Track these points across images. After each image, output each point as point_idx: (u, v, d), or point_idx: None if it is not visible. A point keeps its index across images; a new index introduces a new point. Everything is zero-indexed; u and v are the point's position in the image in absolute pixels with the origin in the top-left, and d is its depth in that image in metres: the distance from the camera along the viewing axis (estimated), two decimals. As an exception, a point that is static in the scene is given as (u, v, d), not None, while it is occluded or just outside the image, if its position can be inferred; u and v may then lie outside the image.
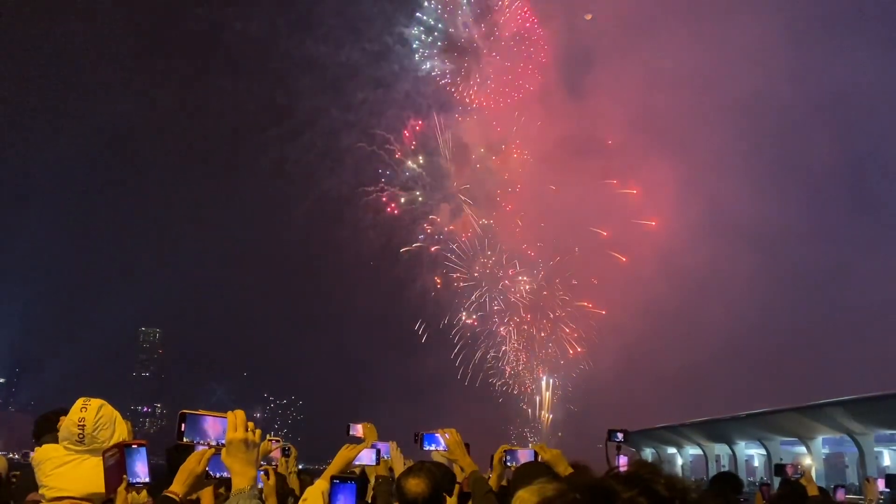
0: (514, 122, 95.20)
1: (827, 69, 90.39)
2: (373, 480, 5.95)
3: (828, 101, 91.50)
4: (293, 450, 7.79)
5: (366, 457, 5.67)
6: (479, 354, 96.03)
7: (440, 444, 5.68)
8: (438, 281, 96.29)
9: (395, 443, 6.26)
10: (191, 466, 3.47)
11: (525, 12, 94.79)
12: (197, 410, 3.04)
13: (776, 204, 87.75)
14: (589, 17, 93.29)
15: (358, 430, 6.44)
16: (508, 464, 5.58)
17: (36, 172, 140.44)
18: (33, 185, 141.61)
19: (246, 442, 3.00)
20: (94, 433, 3.84)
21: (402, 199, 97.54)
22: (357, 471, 6.37)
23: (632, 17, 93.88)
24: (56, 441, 4.15)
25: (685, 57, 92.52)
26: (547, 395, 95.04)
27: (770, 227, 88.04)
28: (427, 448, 5.80)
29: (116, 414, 4.10)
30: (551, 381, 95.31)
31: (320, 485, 4.87)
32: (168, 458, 5.35)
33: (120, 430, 4.02)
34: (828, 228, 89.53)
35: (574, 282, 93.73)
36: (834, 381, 66.70)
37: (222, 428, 3.02)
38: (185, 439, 3.02)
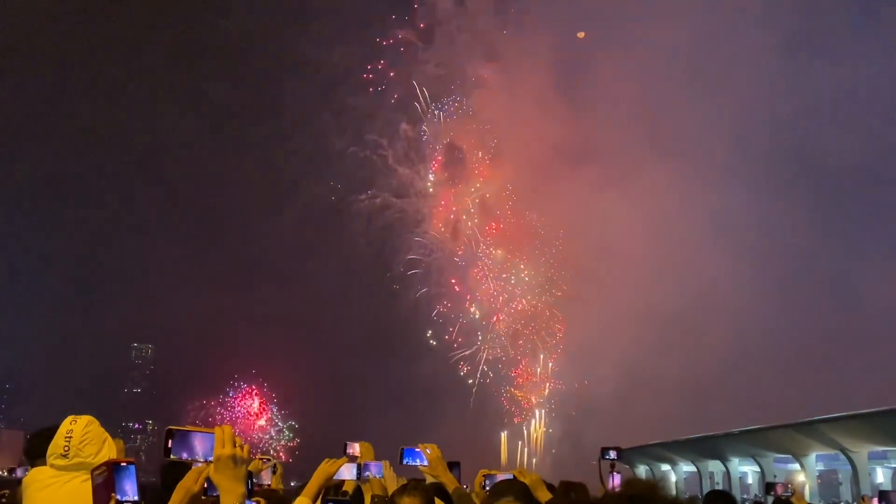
0: (510, 128, 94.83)
1: (835, 68, 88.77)
2: (368, 499, 5.93)
3: (837, 101, 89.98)
4: (279, 467, 7.84)
5: (346, 472, 5.66)
6: (469, 370, 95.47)
7: (422, 459, 5.68)
8: (419, 297, 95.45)
9: (387, 462, 6.26)
10: (188, 485, 3.43)
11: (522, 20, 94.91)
12: (184, 426, 3.04)
13: (780, 213, 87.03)
14: (582, 34, 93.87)
15: (355, 448, 6.42)
16: (487, 489, 5.58)
17: (24, 184, 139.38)
18: (22, 199, 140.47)
19: (234, 458, 2.99)
20: (80, 446, 3.86)
21: (395, 207, 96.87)
22: (350, 489, 6.35)
23: (628, 24, 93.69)
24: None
25: (685, 60, 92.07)
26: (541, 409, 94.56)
27: (772, 237, 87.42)
28: (407, 462, 5.78)
29: (106, 435, 4.10)
30: (546, 390, 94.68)
31: (301, 501, 4.83)
32: (162, 476, 5.32)
33: (108, 451, 4.01)
34: (832, 239, 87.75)
35: (569, 293, 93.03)
36: (830, 396, 66.14)
37: (210, 444, 3.02)
38: (172, 456, 3.02)
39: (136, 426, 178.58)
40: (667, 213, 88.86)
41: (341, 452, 6.07)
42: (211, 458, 2.99)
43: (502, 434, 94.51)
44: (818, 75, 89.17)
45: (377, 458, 6.25)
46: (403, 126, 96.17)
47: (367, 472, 5.96)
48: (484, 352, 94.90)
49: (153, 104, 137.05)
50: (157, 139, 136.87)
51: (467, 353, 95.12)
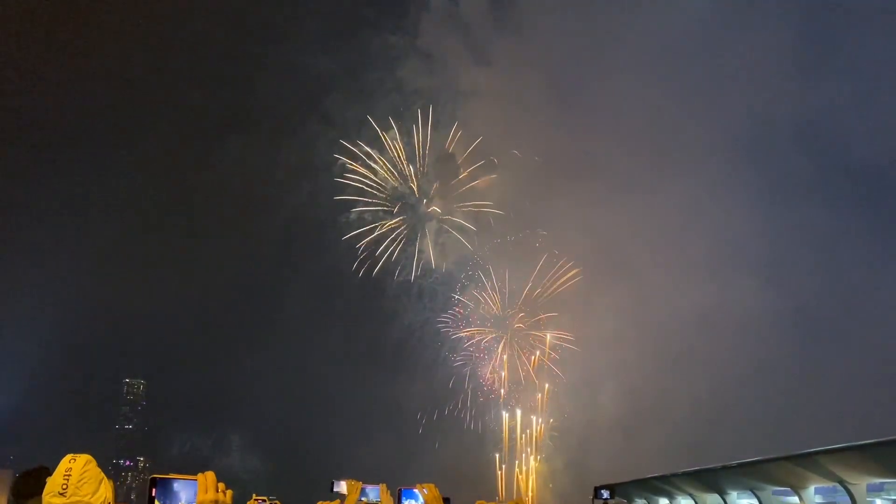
0: (506, 138, 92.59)
1: (850, 71, 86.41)
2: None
3: (854, 105, 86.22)
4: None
5: None
6: (462, 397, 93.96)
7: (418, 500, 5.72)
8: (410, 320, 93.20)
9: (384, 485, 6.30)
10: None
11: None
12: (167, 474, 3.05)
13: (793, 226, 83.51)
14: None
15: (342, 486, 6.44)
16: None
17: (14, 219, 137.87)
18: (11, 237, 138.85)
19: (216, 503, 3.00)
20: (79, 485, 3.88)
21: (385, 223, 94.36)
22: None
23: (630, 29, 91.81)
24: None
25: (690, 64, 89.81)
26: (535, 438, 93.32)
27: (783, 252, 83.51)
28: (405, 503, 5.84)
29: (103, 475, 4.15)
30: (541, 422, 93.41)
31: None
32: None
33: (104, 491, 4.06)
34: (850, 254, 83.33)
35: (569, 317, 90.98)
36: (831, 427, 63.98)
37: (193, 490, 3.03)
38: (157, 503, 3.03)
39: (127, 463, 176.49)
40: (672, 228, 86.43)
41: (327, 490, 6.10)
42: (194, 505, 3.00)
43: (497, 464, 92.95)
44: (832, 79, 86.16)
45: (373, 482, 6.32)
46: (394, 136, 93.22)
47: (364, 498, 6.05)
48: (468, 382, 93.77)
49: (128, 114, 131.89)
50: (131, 151, 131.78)
51: (458, 382, 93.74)
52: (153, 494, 3.05)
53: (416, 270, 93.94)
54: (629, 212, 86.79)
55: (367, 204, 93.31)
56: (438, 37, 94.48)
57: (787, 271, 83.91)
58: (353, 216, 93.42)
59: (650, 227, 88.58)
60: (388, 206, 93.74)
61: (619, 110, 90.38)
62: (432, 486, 5.72)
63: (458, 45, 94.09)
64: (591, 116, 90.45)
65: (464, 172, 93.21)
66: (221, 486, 2.99)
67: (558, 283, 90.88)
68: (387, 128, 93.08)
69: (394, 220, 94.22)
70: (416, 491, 5.81)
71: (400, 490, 5.91)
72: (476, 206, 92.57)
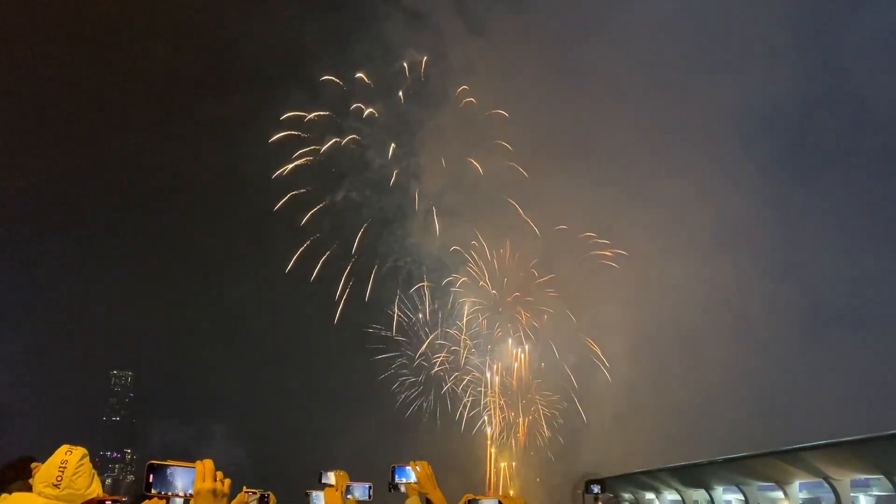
0: (501, 117, 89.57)
1: (854, 55, 79.34)
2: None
3: (859, 82, 78.52)
4: (272, 496, 7.73)
5: None
6: (452, 390, 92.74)
7: (411, 477, 5.78)
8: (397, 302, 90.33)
9: (373, 484, 6.33)
10: None
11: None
12: (165, 461, 3.04)
13: (797, 214, 78.06)
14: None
15: (330, 477, 6.45)
16: None
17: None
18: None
19: (214, 492, 2.99)
20: (73, 478, 3.86)
21: (373, 203, 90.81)
22: None
23: (628, 11, 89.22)
24: (26, 489, 4.13)
25: (691, 46, 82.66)
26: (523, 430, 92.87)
27: (788, 243, 77.03)
28: (398, 480, 5.88)
29: (94, 472, 4.13)
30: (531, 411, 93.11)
31: None
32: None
33: (96, 486, 4.05)
34: (855, 246, 75.87)
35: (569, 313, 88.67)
36: (837, 424, 61.77)
37: (190, 478, 3.02)
38: (152, 490, 3.02)
39: (115, 455, 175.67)
40: (673, 210, 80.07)
41: (316, 481, 6.11)
42: (191, 493, 2.99)
43: (489, 454, 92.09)
44: (847, 47, 79.44)
45: (360, 479, 6.34)
46: (381, 110, 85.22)
47: (349, 496, 6.08)
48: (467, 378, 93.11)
49: (112, 96, 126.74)
50: (107, 139, 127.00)
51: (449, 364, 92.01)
52: (150, 481, 3.03)
53: (404, 255, 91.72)
54: (630, 192, 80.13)
55: (352, 183, 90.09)
56: (430, 5, 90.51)
57: (797, 256, 77.74)
58: (338, 196, 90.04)
59: (651, 209, 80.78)
60: (375, 185, 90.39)
61: (620, 87, 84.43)
62: (425, 463, 5.80)
63: (451, 14, 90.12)
64: (590, 94, 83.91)
65: (455, 148, 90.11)
66: (220, 474, 2.99)
67: (556, 269, 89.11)
68: (373, 100, 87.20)
69: (380, 200, 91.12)
70: (409, 469, 5.88)
71: (393, 468, 5.97)
72: (468, 185, 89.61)
